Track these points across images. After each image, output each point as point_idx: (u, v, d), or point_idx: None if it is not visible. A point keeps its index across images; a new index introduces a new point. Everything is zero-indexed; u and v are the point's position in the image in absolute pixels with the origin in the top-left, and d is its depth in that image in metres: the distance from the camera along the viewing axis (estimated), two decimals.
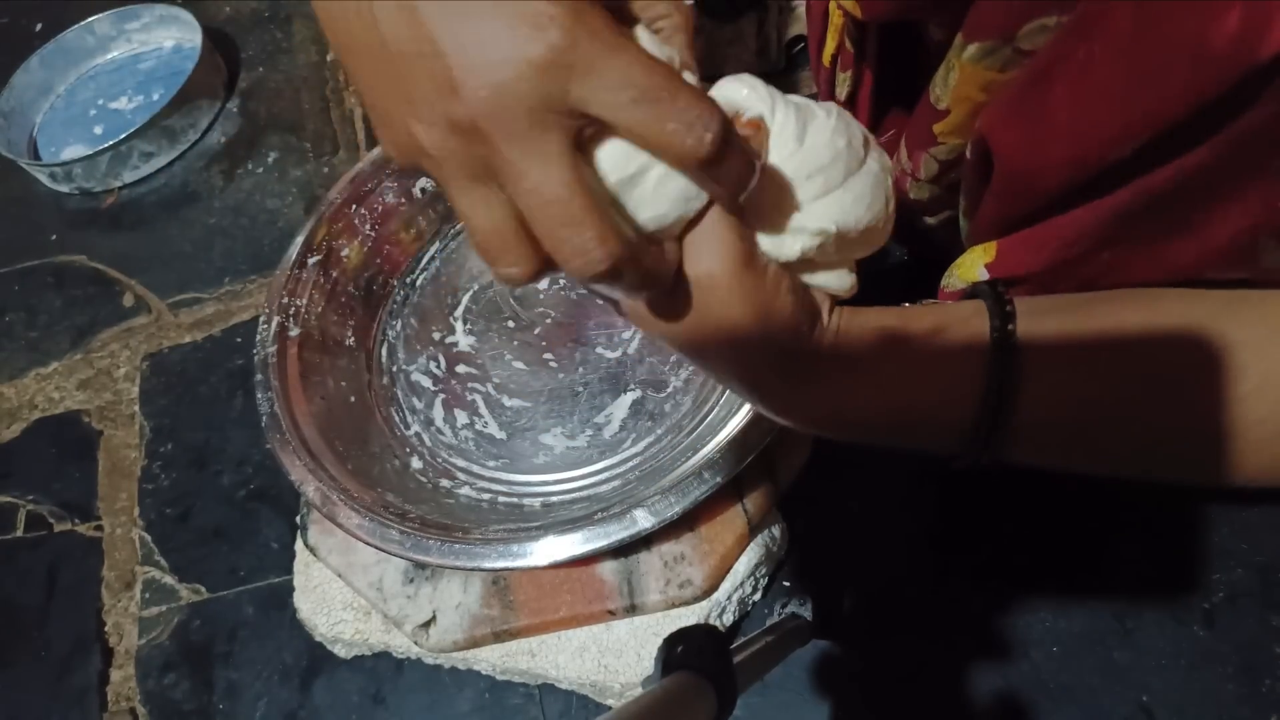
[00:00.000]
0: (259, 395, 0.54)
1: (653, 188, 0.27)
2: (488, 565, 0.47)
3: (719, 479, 0.46)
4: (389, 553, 0.48)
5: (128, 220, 0.85)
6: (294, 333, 0.57)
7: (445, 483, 0.56)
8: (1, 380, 0.77)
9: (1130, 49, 0.28)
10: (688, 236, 0.29)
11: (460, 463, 0.57)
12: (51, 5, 1.04)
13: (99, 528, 0.67)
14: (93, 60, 0.97)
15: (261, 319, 0.57)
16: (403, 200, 0.65)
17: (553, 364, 0.60)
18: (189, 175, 0.86)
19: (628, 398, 0.57)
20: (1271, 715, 0.47)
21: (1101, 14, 0.28)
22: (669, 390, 0.58)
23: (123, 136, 0.83)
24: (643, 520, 0.46)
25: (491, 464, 0.57)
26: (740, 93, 0.29)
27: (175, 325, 0.76)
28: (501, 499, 0.55)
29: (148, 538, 0.65)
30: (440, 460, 0.57)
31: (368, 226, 0.63)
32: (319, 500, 0.49)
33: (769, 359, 0.32)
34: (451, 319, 0.63)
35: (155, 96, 0.92)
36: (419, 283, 0.65)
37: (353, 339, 0.61)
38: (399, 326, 0.63)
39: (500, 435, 0.58)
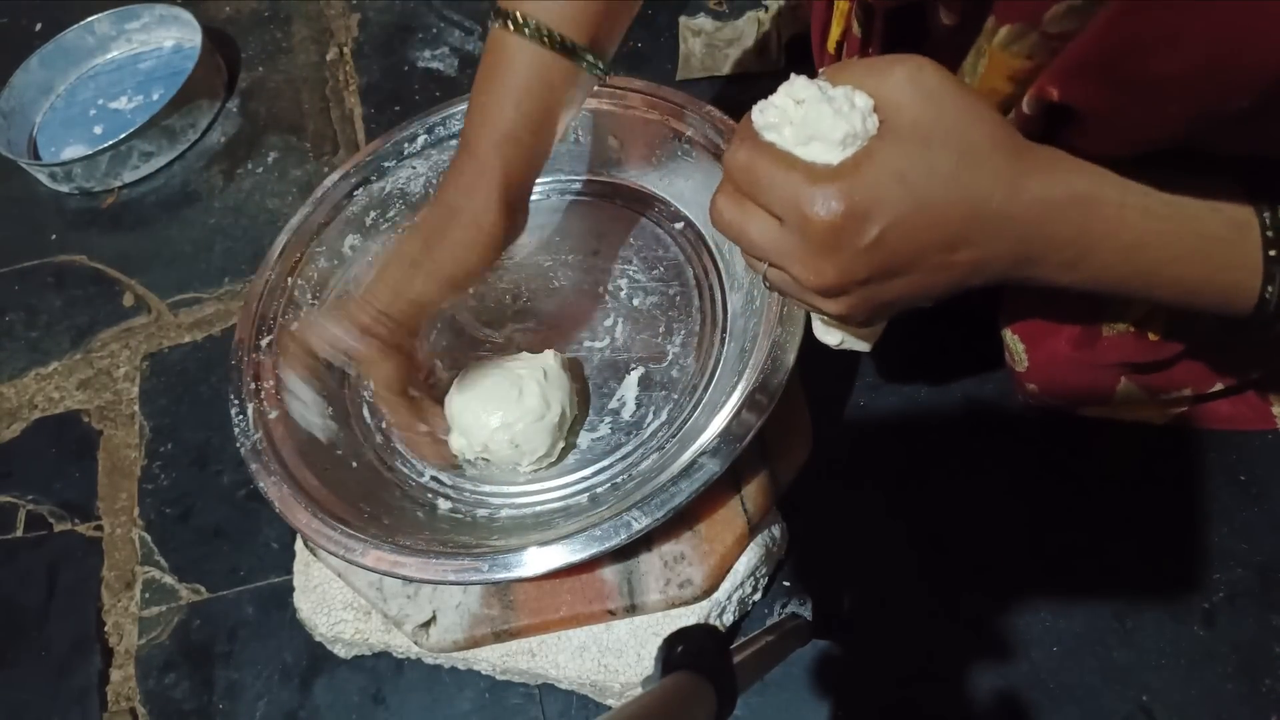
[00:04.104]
0: (261, 484, 0.53)
1: None
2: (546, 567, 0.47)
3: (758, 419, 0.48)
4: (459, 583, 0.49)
5: (128, 220, 0.85)
6: (272, 415, 0.56)
7: (482, 512, 0.55)
8: (1, 380, 0.77)
9: (1211, 21, 0.27)
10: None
11: (489, 489, 0.56)
12: (51, 5, 1.04)
13: (99, 528, 0.67)
14: (93, 60, 0.97)
15: (234, 410, 0.56)
16: (335, 262, 0.64)
17: None
18: (189, 175, 0.87)
19: (633, 377, 0.58)
20: (1271, 715, 0.47)
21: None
22: (670, 358, 0.58)
23: (123, 136, 0.83)
24: (698, 474, 0.47)
25: (522, 480, 0.56)
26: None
27: (175, 325, 0.76)
28: (543, 508, 0.55)
29: (148, 538, 0.65)
30: (468, 494, 0.56)
31: (308, 297, 0.63)
32: (386, 569, 0.49)
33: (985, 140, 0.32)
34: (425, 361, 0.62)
35: (155, 96, 0.92)
36: None
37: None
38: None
39: None
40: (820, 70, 0.35)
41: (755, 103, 0.34)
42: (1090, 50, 0.31)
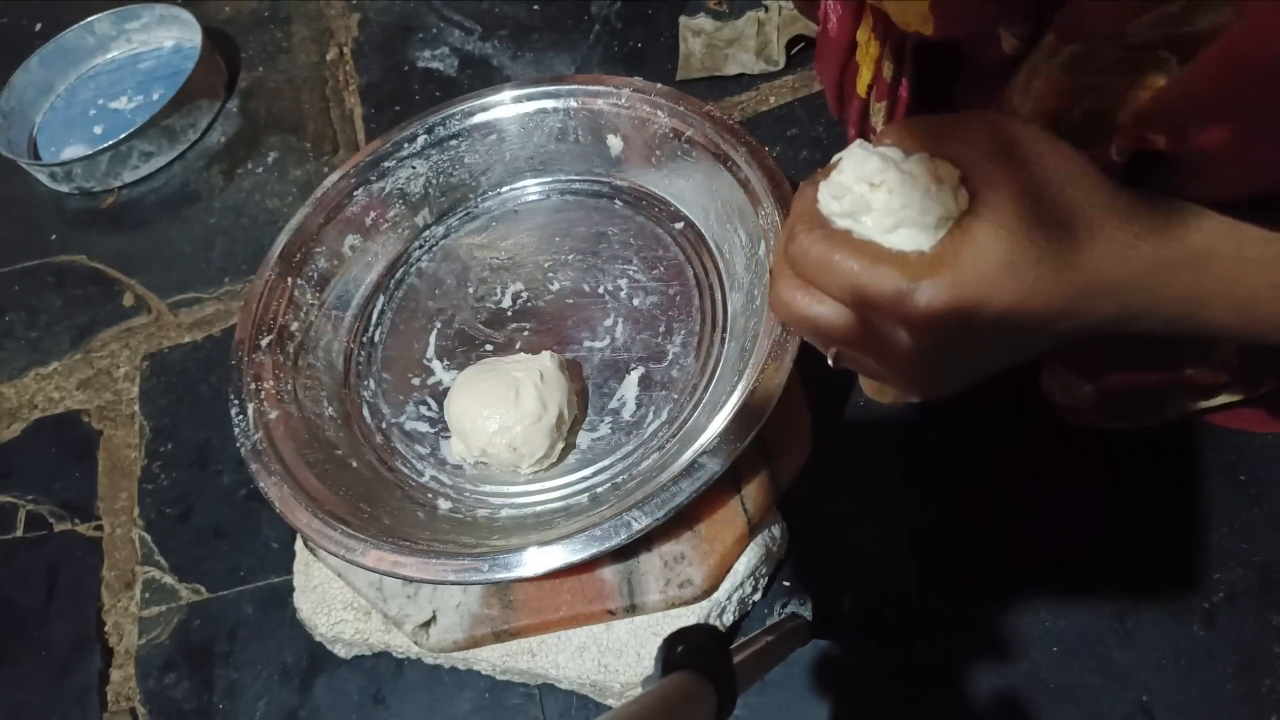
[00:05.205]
0: (262, 484, 0.52)
1: None
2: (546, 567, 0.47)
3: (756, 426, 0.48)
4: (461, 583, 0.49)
5: (128, 220, 0.85)
6: (272, 415, 0.56)
7: (483, 512, 0.55)
8: (1, 380, 0.77)
9: None
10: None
11: (489, 489, 0.56)
12: (51, 5, 1.04)
13: (99, 528, 0.67)
14: (93, 60, 0.97)
15: (234, 410, 0.56)
16: (335, 262, 0.64)
17: None
18: (189, 175, 0.87)
19: (633, 377, 0.58)
20: (1271, 715, 0.47)
21: None
22: (670, 358, 0.58)
23: (123, 136, 0.83)
24: (696, 474, 0.47)
25: (522, 480, 0.56)
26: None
27: (175, 325, 0.76)
28: (543, 508, 0.54)
29: (148, 538, 0.65)
30: (468, 494, 0.56)
31: (308, 296, 0.63)
32: (386, 569, 0.48)
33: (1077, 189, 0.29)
34: (426, 362, 0.62)
35: (155, 96, 0.92)
36: (376, 338, 0.64)
37: (331, 409, 0.60)
38: (372, 386, 0.62)
39: None
40: (877, 132, 0.31)
41: (814, 181, 0.30)
42: (1207, 84, 0.27)
